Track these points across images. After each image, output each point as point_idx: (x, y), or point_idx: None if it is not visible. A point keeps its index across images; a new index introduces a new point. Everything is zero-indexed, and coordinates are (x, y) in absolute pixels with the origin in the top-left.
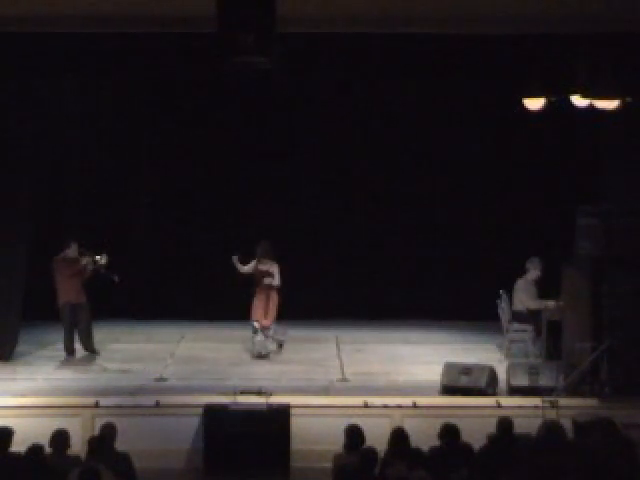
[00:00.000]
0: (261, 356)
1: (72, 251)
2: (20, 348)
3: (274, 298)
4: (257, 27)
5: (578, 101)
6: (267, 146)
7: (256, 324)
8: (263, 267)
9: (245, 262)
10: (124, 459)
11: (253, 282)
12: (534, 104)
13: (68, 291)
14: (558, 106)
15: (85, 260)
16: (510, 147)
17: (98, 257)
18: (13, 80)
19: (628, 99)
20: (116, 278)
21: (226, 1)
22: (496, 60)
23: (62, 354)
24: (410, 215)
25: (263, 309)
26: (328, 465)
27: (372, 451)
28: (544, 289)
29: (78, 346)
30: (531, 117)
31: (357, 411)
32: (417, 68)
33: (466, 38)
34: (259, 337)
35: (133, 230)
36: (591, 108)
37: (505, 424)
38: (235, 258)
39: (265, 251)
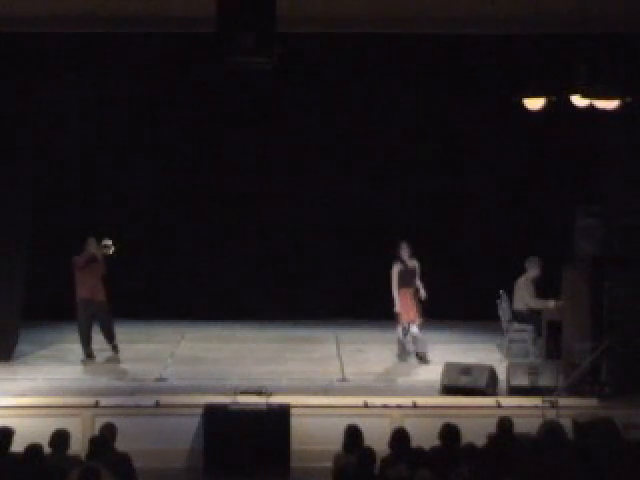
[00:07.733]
0: (423, 358)
1: (90, 247)
2: (20, 348)
3: (417, 296)
4: (257, 27)
5: (578, 101)
6: (267, 146)
7: (407, 324)
8: (410, 264)
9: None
10: (124, 459)
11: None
12: (534, 104)
13: (80, 287)
14: (558, 106)
15: (97, 252)
16: (510, 147)
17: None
18: (13, 80)
19: (628, 99)
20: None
21: (226, 1)
22: (496, 60)
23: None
24: (410, 215)
25: (415, 308)
26: (328, 465)
27: (370, 451)
28: (544, 289)
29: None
30: (531, 117)
31: (357, 411)
32: (417, 68)
33: (466, 38)
34: (414, 336)
35: (133, 230)
36: (591, 108)
37: (505, 424)
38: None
39: (408, 250)
